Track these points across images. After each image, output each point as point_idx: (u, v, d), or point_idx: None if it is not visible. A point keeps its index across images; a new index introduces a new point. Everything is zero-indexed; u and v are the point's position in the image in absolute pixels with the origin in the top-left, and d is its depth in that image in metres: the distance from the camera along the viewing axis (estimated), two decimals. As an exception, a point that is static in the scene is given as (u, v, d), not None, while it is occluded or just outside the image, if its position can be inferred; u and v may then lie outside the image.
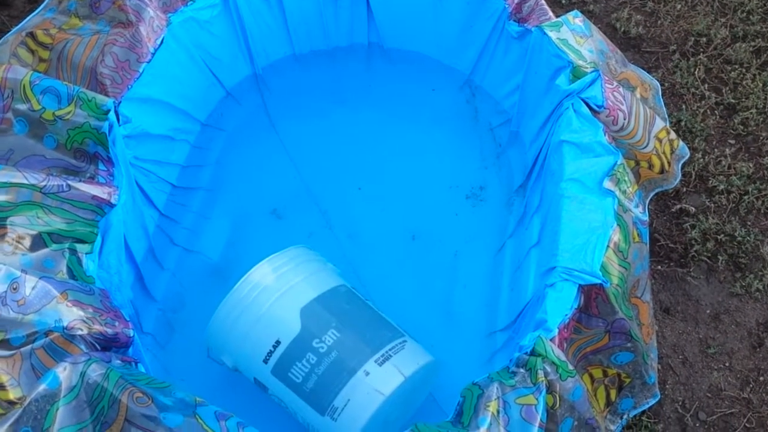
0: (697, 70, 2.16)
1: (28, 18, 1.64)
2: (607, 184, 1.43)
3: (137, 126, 1.61)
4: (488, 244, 1.79)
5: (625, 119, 1.54)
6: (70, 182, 1.30)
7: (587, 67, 1.58)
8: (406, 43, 2.11)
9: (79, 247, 1.27)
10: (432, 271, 1.76)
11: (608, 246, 1.34)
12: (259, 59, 2.06)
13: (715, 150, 1.99)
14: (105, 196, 1.33)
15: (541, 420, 1.12)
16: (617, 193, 1.42)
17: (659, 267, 1.78)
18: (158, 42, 1.67)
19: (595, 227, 1.36)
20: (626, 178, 1.46)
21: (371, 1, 2.01)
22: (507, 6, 1.82)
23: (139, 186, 1.60)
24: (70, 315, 1.13)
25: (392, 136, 2.02)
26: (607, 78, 1.56)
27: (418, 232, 1.83)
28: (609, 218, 1.37)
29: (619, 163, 1.45)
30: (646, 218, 1.49)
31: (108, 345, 1.16)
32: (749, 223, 1.85)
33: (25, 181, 1.27)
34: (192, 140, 1.91)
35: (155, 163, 1.72)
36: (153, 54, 1.64)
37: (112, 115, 1.40)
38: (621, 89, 1.57)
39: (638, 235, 1.43)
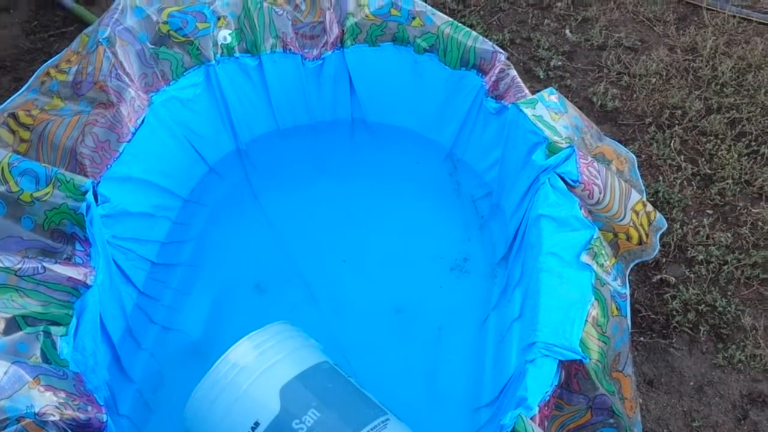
0: (673, 141, 2.19)
1: (11, 98, 1.66)
2: (585, 257, 1.43)
3: (116, 205, 1.62)
4: (472, 317, 1.79)
5: (600, 193, 1.56)
6: (45, 264, 1.30)
7: (562, 143, 1.60)
8: (388, 117, 2.14)
9: (53, 329, 1.26)
10: (416, 346, 1.75)
11: (587, 320, 1.34)
12: (242, 135, 2.08)
13: (693, 220, 2.01)
14: (81, 278, 1.33)
15: (522, 503, 1.10)
16: (594, 266, 1.43)
17: (642, 338, 1.77)
18: (139, 122, 1.69)
19: (574, 302, 1.36)
20: (603, 252, 1.47)
21: (353, 78, 2.05)
22: (484, 83, 1.86)
23: (117, 265, 1.60)
24: (43, 400, 1.11)
25: (376, 208, 2.03)
26: (581, 153, 1.59)
27: (403, 305, 1.82)
28: (587, 293, 1.37)
29: (595, 237, 1.46)
30: (625, 291, 1.49)
31: (81, 431, 1.14)
32: (729, 293, 1.86)
33: (0, 264, 1.26)
34: (173, 216, 1.91)
35: (134, 241, 1.72)
36: (133, 134, 1.66)
37: (90, 195, 1.40)
38: (595, 164, 1.59)
39: (617, 308, 1.43)
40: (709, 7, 2.69)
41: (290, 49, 1.97)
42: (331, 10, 1.95)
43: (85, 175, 1.47)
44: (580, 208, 1.51)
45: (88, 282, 1.33)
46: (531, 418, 1.19)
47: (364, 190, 2.08)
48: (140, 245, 1.74)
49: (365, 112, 2.14)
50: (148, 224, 1.80)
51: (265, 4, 1.92)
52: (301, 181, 2.09)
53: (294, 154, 2.14)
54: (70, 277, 1.31)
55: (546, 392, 1.24)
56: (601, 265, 1.44)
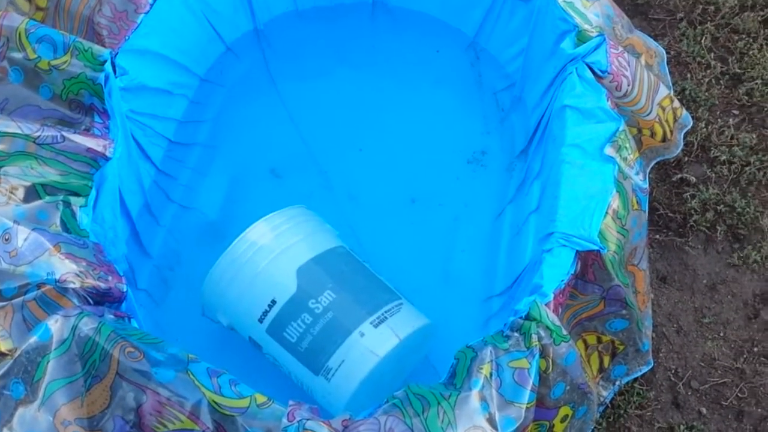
0: (704, 38, 2.13)
1: (25, -34, 1.60)
2: (608, 150, 1.41)
3: (134, 78, 1.59)
4: (488, 209, 1.78)
5: (629, 85, 1.52)
6: (65, 133, 1.28)
7: (593, 32, 1.55)
8: (410, 2, 2.07)
9: (73, 199, 1.26)
10: (431, 235, 1.75)
11: (607, 213, 1.33)
12: (260, 14, 2.03)
13: (719, 120, 1.97)
14: (100, 149, 1.32)
15: (533, 384, 1.12)
16: (618, 159, 1.41)
17: (657, 236, 1.77)
18: (157, -7, 1.64)
19: (595, 193, 1.35)
20: (627, 145, 1.44)
21: (376, -42, 1.98)
22: (513, -33, 1.79)
23: (135, 140, 1.58)
24: (63, 268, 1.12)
25: (394, 97, 1.99)
26: (612, 43, 1.54)
27: (418, 195, 1.81)
28: (609, 185, 1.36)
29: (621, 129, 1.44)
30: (646, 186, 1.48)
31: (101, 299, 1.16)
32: (749, 194, 1.84)
33: (20, 131, 1.25)
34: (190, 95, 1.88)
35: (152, 117, 1.70)
36: (151, 5, 1.60)
37: (108, 66, 1.38)
38: (626, 55, 1.55)
39: (637, 202, 1.42)
40: None
41: (312, -77, 1.89)
42: None
43: (103, 46, 1.44)
44: (607, 100, 1.47)
45: (108, 154, 1.32)
46: (545, 305, 1.20)
47: (382, 77, 2.04)
48: (158, 122, 1.72)
49: (387, -6, 2.08)
50: (166, 101, 1.78)
51: None
52: (319, 65, 2.04)
53: (312, 37, 2.08)
54: (90, 148, 1.30)
55: (562, 280, 1.25)
56: (625, 159, 1.42)
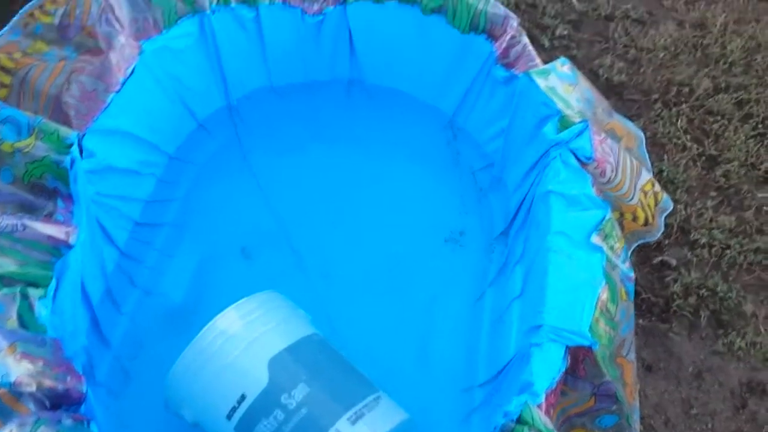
0: (679, 120, 2.14)
1: (-9, 40, 1.55)
2: (595, 239, 1.37)
3: (101, 160, 1.52)
4: (467, 292, 1.73)
5: (612, 171, 1.50)
6: (25, 222, 1.20)
7: (575, 117, 1.53)
8: (388, 80, 2.05)
9: (31, 291, 1.17)
10: (408, 317, 1.68)
11: (596, 305, 1.28)
12: (234, 90, 1.98)
13: (697, 202, 1.96)
14: (62, 236, 1.24)
15: (526, 495, 1.05)
16: (605, 248, 1.37)
17: (641, 321, 1.73)
18: (129, 71, 1.58)
19: (583, 285, 1.31)
20: (614, 233, 1.41)
21: (354, 37, 1.95)
22: (494, 50, 1.77)
23: (100, 224, 1.51)
24: (19, 369, 1.03)
25: (370, 175, 1.95)
26: (594, 128, 1.52)
27: (394, 274, 1.75)
28: (598, 276, 1.32)
29: (607, 217, 1.41)
30: (632, 274, 1.44)
31: (59, 402, 1.07)
32: (731, 278, 1.82)
33: (-23, 220, 1.17)
34: (159, 174, 1.81)
35: (119, 199, 1.62)
36: (123, 84, 1.56)
37: (75, 149, 1.31)
38: (609, 141, 1.53)
39: (626, 293, 1.37)
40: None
41: (290, 2, 1.87)
42: (336, -37, 1.85)
43: (70, 126, 1.37)
44: (592, 187, 1.44)
45: (70, 241, 1.24)
46: (537, 406, 1.14)
47: (357, 154, 1.99)
48: (124, 203, 1.65)
49: (364, 72, 2.05)
50: (133, 182, 1.70)
51: (265, -47, 1.82)
52: (293, 142, 2.00)
53: (287, 114, 2.05)
54: (51, 236, 1.22)
55: (553, 378, 1.19)
56: (612, 248, 1.38)
